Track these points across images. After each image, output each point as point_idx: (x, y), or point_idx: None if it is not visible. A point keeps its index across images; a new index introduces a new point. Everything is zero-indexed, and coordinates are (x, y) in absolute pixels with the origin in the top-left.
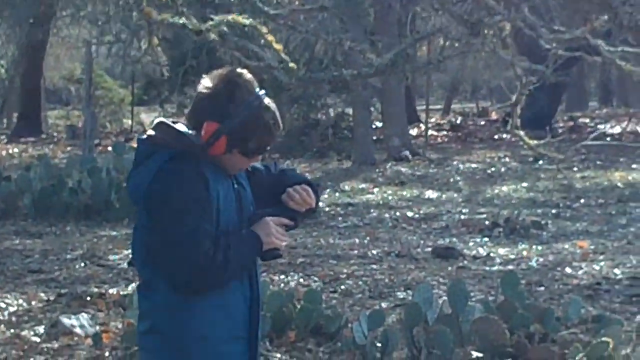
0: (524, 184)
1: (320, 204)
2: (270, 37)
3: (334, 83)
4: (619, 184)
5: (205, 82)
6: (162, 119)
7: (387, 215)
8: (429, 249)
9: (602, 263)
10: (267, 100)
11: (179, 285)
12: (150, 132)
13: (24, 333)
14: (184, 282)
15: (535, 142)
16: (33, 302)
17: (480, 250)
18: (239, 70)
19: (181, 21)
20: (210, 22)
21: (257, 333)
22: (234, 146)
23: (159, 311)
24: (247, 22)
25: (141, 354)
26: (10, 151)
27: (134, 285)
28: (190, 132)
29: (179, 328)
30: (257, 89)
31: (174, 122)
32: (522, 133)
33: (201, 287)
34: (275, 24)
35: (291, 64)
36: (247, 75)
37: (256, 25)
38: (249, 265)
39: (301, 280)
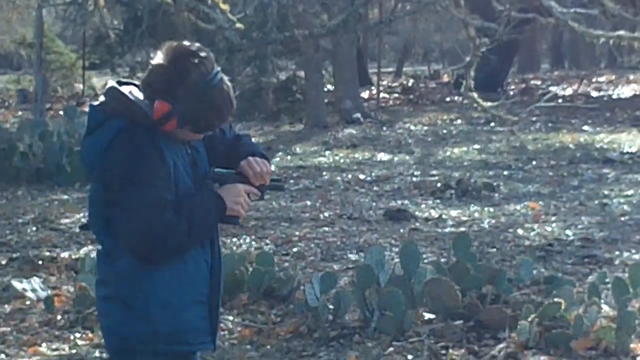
0: (476, 146)
1: (273, 167)
2: None
3: (286, 44)
4: (570, 146)
5: (159, 58)
6: (113, 83)
7: (339, 178)
8: (381, 211)
9: (554, 224)
10: (220, 80)
11: (142, 255)
12: (102, 97)
13: None
14: (147, 252)
15: (488, 103)
16: None
17: (432, 212)
18: (194, 48)
19: None
20: None
21: (217, 298)
22: (185, 125)
23: (120, 279)
24: None
25: (101, 320)
26: None
27: (86, 249)
28: (143, 101)
29: (141, 296)
30: (212, 68)
31: (126, 84)
32: (475, 95)
33: (165, 256)
34: None
35: (239, 25)
36: (202, 53)
37: None
38: (211, 231)
39: (253, 243)
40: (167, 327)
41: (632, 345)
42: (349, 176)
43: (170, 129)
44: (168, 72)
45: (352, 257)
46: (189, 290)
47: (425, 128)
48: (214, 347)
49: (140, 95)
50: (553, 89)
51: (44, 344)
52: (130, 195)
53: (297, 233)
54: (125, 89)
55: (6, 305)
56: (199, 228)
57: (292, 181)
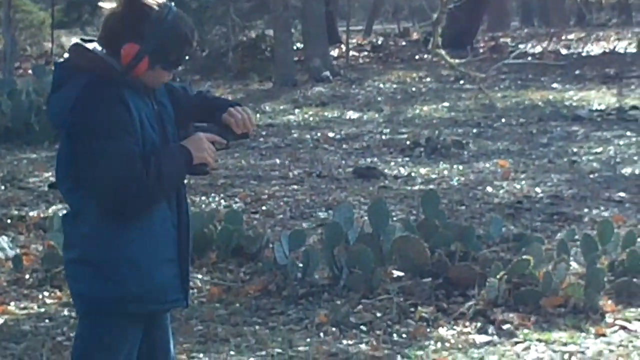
0: (445, 104)
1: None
2: None
3: (255, 2)
4: (539, 103)
5: (112, 4)
6: (78, 40)
7: (308, 136)
8: (350, 169)
9: (523, 182)
10: (177, 9)
11: (112, 209)
12: (67, 54)
13: None
14: (118, 206)
15: (457, 61)
16: None
17: (402, 170)
18: None
19: None
20: None
21: (187, 255)
22: (156, 63)
23: (88, 240)
24: None
25: (70, 283)
26: None
27: (54, 207)
28: (107, 55)
29: (110, 256)
30: (165, 5)
31: (90, 41)
32: (443, 52)
33: (135, 209)
34: None
35: None
36: None
37: None
38: (180, 181)
39: (222, 201)
40: (137, 288)
41: (600, 302)
42: (318, 134)
43: (141, 71)
44: (129, 14)
45: (321, 215)
46: (157, 249)
47: (395, 86)
48: (187, 304)
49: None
50: (522, 46)
51: (12, 303)
52: (99, 148)
53: (266, 191)
54: (89, 45)
55: None
56: (167, 179)
57: (261, 139)
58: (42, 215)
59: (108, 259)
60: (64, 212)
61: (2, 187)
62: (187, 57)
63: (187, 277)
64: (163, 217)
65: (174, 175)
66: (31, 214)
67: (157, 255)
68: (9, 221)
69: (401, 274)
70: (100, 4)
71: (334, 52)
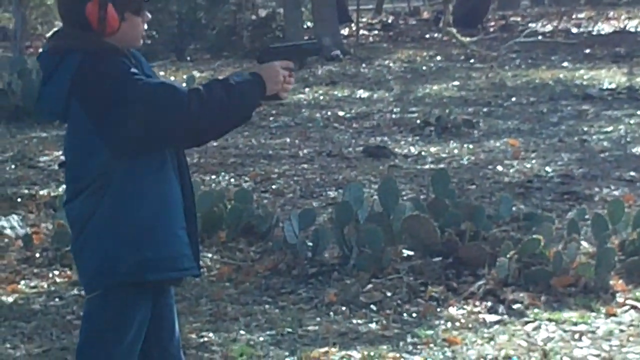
0: (455, 83)
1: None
2: None
3: None
4: (550, 82)
5: None
6: (56, 29)
7: (318, 114)
8: (361, 148)
9: (533, 161)
10: None
11: (187, 133)
12: (49, 43)
13: None
14: (167, 135)
15: (467, 39)
16: None
17: (412, 149)
18: None
19: None
20: None
21: (195, 225)
22: (123, 8)
23: (103, 207)
24: None
25: (82, 256)
26: None
27: (65, 186)
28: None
29: (128, 223)
30: None
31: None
32: (454, 31)
33: (186, 137)
34: None
35: None
36: None
37: None
38: (249, 109)
39: (232, 180)
40: (154, 253)
41: (611, 282)
42: (328, 113)
43: (115, 23)
44: None
45: (331, 194)
46: (171, 216)
47: (405, 65)
48: (199, 274)
49: None
50: (533, 25)
51: (22, 282)
52: (127, 93)
53: (276, 170)
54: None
55: None
56: (230, 105)
57: (271, 118)
58: (52, 194)
59: (125, 227)
60: (74, 190)
61: (13, 166)
62: None
63: (197, 247)
64: (173, 185)
65: (238, 103)
66: (41, 192)
67: (171, 223)
68: (19, 200)
69: (411, 253)
70: None
71: (344, 31)
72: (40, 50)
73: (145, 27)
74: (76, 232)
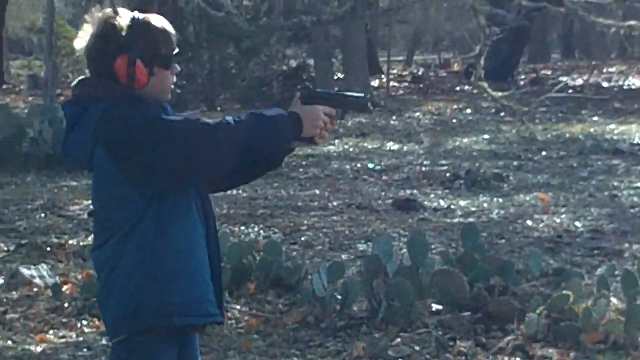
0: (485, 136)
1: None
2: None
3: (295, 31)
4: (580, 137)
5: (84, 39)
6: (81, 77)
7: (348, 166)
8: (390, 201)
9: (563, 216)
10: (146, 15)
11: (216, 160)
12: (74, 92)
13: None
14: (195, 168)
15: (499, 94)
16: None
17: (441, 202)
18: (101, 13)
19: None
20: None
21: (219, 272)
22: (152, 63)
23: (131, 251)
24: None
25: (107, 303)
26: None
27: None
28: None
29: (155, 268)
30: (130, 14)
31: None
32: (485, 85)
33: (213, 167)
34: None
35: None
36: (111, 9)
37: None
38: (275, 147)
39: (262, 231)
40: (180, 297)
41: None
42: (358, 165)
43: (144, 78)
44: (102, 35)
45: (361, 247)
46: (197, 262)
47: (435, 117)
48: (223, 321)
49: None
50: (564, 79)
51: (51, 332)
52: (154, 133)
53: (305, 222)
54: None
55: (14, 292)
56: (258, 139)
57: (301, 170)
58: (82, 243)
59: (150, 271)
60: (102, 237)
61: (43, 215)
62: (177, 49)
63: (221, 294)
64: (198, 230)
65: (266, 133)
66: (71, 242)
67: (196, 268)
68: (48, 249)
69: (440, 307)
70: (75, 44)
71: (375, 83)
72: (63, 102)
73: (175, 79)
74: (103, 279)
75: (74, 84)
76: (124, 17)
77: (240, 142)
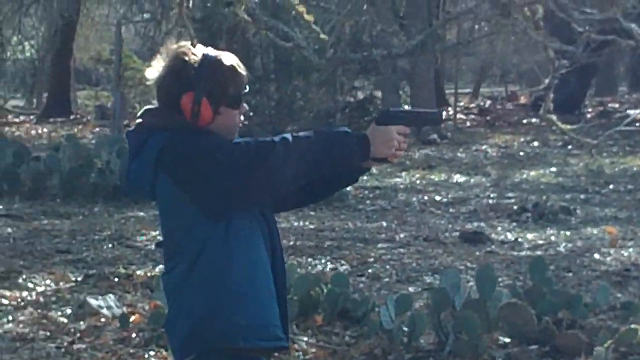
0: (553, 169)
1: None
2: (301, 8)
3: (364, 64)
4: None
5: (155, 69)
6: (147, 106)
7: (414, 198)
8: (457, 234)
9: (631, 249)
10: (217, 52)
11: (282, 180)
12: (138, 120)
13: (51, 314)
14: (258, 185)
15: (567, 126)
16: (61, 283)
17: (508, 235)
18: (175, 46)
19: None
20: None
21: (284, 297)
22: (218, 102)
23: (198, 277)
24: None
25: (176, 329)
26: (40, 131)
27: (161, 266)
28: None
29: (219, 291)
30: (202, 50)
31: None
32: (554, 118)
33: (274, 171)
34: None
35: (323, 36)
36: (184, 43)
37: None
38: (339, 156)
39: (329, 263)
40: (245, 320)
41: None
42: (425, 197)
43: (208, 116)
44: (171, 70)
45: (428, 279)
46: (262, 283)
47: (502, 150)
48: (288, 346)
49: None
50: (631, 112)
51: None
52: (218, 155)
53: (372, 254)
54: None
55: (81, 322)
56: (322, 143)
57: (367, 202)
58: (149, 274)
59: (216, 293)
60: (172, 262)
61: (110, 245)
62: (246, 89)
63: (286, 319)
64: (263, 254)
65: (328, 148)
66: (138, 272)
67: (261, 291)
68: (116, 279)
69: (508, 340)
70: (146, 75)
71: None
72: (127, 130)
73: (242, 118)
74: (171, 303)
75: (139, 113)
76: (196, 53)
77: (299, 158)
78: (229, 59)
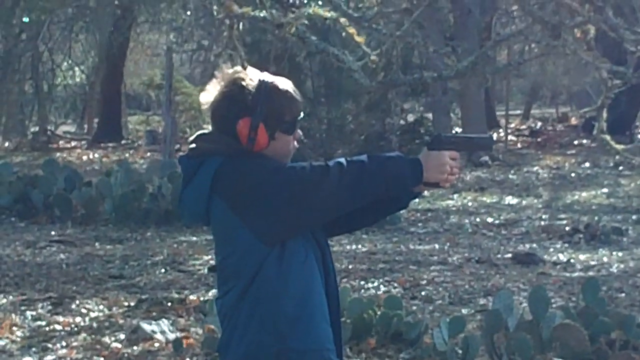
0: (604, 190)
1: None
2: (351, 30)
3: (414, 86)
4: None
5: (211, 93)
6: (201, 131)
7: (466, 220)
8: (509, 255)
9: None
10: (274, 79)
11: (343, 202)
12: (191, 146)
13: (104, 339)
14: (312, 211)
15: (621, 146)
16: (114, 308)
17: (561, 256)
18: (231, 70)
19: (262, 14)
20: (291, 15)
21: (338, 320)
22: (274, 128)
23: (251, 301)
24: (328, 14)
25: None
26: (91, 156)
27: (214, 291)
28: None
29: (272, 313)
30: (259, 76)
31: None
32: (608, 137)
33: (326, 209)
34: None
35: (374, 57)
36: (240, 68)
37: (337, 18)
38: (392, 181)
39: (381, 286)
40: (297, 343)
41: None
42: (477, 219)
43: (264, 142)
44: (228, 95)
45: (481, 301)
46: (315, 307)
47: (553, 171)
48: None
49: None
50: None
51: None
52: (275, 180)
53: (425, 276)
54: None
55: (135, 347)
56: (376, 167)
57: (420, 224)
58: (202, 298)
59: (270, 316)
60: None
61: (163, 270)
62: (301, 115)
63: (340, 343)
64: (317, 278)
65: (379, 180)
66: (191, 297)
67: (315, 315)
68: (169, 304)
69: None
70: (201, 99)
71: (493, 137)
72: (180, 156)
73: (296, 144)
74: (225, 326)
75: (192, 137)
76: (252, 79)
77: (353, 182)
78: (285, 84)
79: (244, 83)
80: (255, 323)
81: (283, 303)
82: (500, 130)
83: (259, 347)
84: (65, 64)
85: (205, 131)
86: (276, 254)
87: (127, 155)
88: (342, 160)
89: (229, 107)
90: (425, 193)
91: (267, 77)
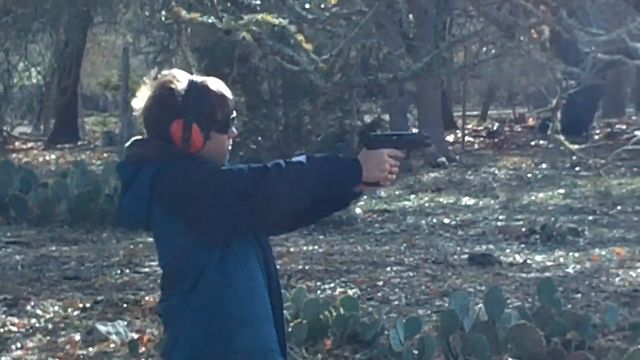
0: (561, 191)
1: (357, 210)
2: (299, 37)
3: (370, 87)
4: None
5: (141, 99)
6: (135, 137)
7: (423, 221)
8: (466, 256)
9: (639, 270)
10: (204, 79)
11: (282, 203)
12: (127, 152)
13: (60, 340)
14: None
15: (575, 146)
16: (69, 309)
17: (517, 257)
18: (160, 75)
19: (210, 20)
20: (240, 21)
21: (282, 321)
22: (208, 128)
23: (197, 307)
24: (276, 21)
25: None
26: (47, 158)
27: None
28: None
29: (219, 316)
30: (188, 77)
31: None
32: (562, 138)
33: (274, 211)
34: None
35: (322, 64)
36: (170, 72)
37: (285, 25)
38: (332, 180)
39: (338, 287)
40: (243, 345)
41: None
42: (434, 220)
43: (199, 142)
44: (159, 99)
45: (437, 302)
46: (259, 309)
47: (510, 172)
48: None
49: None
50: (638, 132)
51: None
52: (214, 184)
53: (381, 277)
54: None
55: (90, 349)
56: (311, 182)
57: (376, 225)
58: (157, 299)
59: (214, 319)
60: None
61: (119, 271)
62: (234, 114)
63: (284, 343)
64: (259, 279)
65: (320, 172)
66: (147, 298)
67: (259, 316)
68: (125, 305)
69: None
70: (132, 103)
71: (450, 138)
72: (117, 163)
73: (231, 143)
74: (169, 329)
75: (127, 144)
76: (181, 80)
77: (292, 183)
78: (215, 84)
79: (172, 86)
80: (199, 327)
81: (227, 306)
82: (458, 131)
83: (203, 351)
84: (21, 64)
85: (140, 137)
86: (218, 257)
87: (83, 156)
88: (281, 161)
89: (160, 111)
90: (382, 193)
91: (196, 77)
